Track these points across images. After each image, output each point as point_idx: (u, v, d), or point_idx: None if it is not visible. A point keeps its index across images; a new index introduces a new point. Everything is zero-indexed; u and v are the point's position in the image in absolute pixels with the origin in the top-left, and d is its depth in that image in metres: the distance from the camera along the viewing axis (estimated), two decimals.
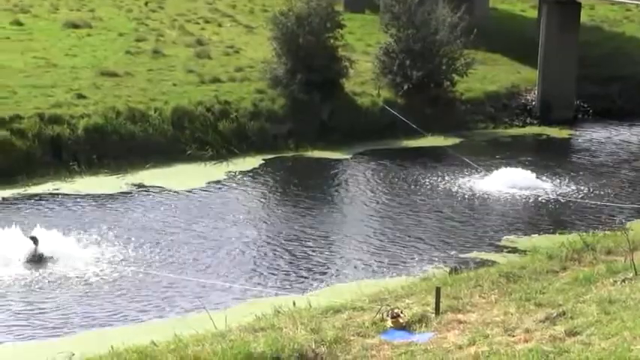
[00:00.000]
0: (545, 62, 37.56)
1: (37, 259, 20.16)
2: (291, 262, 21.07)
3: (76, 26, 40.56)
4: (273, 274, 20.34)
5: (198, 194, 26.30)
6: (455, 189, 27.64)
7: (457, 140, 34.14)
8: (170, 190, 26.30)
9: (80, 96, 30.50)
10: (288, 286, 19.33)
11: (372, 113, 34.20)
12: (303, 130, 32.30)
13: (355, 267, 20.99)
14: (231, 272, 20.24)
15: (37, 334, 16.90)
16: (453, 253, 21.99)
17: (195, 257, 21.05)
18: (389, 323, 12.25)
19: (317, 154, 31.36)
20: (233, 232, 23.02)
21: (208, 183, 27.36)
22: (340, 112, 33.32)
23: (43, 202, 24.86)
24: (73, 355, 13.60)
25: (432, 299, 12.89)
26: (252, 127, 31.56)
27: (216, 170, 28.81)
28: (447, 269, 18.95)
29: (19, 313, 17.75)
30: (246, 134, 31.26)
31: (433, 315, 12.53)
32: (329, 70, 33.72)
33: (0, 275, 19.30)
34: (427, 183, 28.23)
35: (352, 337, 11.87)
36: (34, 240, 20.38)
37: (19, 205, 24.46)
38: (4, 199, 24.83)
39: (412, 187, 27.90)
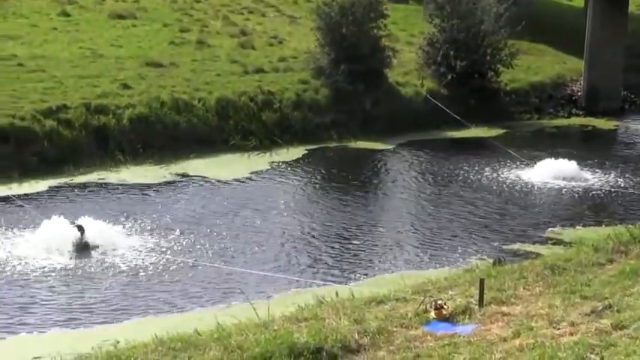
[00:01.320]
0: (592, 52, 37.18)
1: (82, 248, 20.35)
2: (334, 253, 21.07)
3: (121, 17, 40.82)
4: (316, 264, 20.35)
5: (241, 184, 26.40)
6: (498, 180, 27.48)
7: (501, 131, 33.97)
8: (214, 180, 26.42)
9: (125, 86, 30.73)
10: (330, 277, 19.33)
11: (416, 104, 34.11)
12: (346, 121, 32.31)
13: (398, 258, 20.93)
14: (274, 262, 20.28)
15: (82, 322, 17.06)
16: (496, 244, 21.86)
17: (239, 247, 21.12)
18: (432, 315, 12.22)
19: (360, 144, 31.35)
20: (276, 222, 23.06)
21: (252, 173, 27.44)
22: (383, 103, 33.27)
23: (89, 191, 25.09)
24: (118, 342, 13.75)
25: (475, 291, 12.83)
26: (296, 117, 31.62)
27: (260, 160, 28.90)
28: (491, 261, 18.85)
29: (64, 302, 17.94)
30: (289, 124, 31.33)
31: (477, 307, 12.48)
32: (372, 61, 33.65)
33: (46, 264, 19.51)
34: (470, 174, 28.10)
35: (395, 329, 11.86)
36: (80, 229, 20.57)
37: (66, 194, 24.70)
38: (51, 188, 25.09)
39: (455, 178, 27.79)
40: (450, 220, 23.67)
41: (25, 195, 24.17)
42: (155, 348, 11.67)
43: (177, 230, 21.86)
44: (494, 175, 28.02)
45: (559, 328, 11.48)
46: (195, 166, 27.72)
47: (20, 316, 17.19)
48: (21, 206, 22.79)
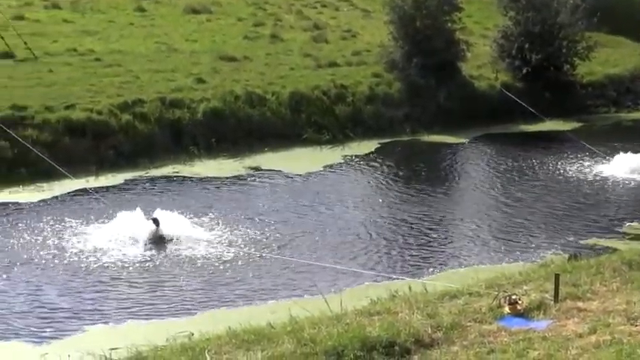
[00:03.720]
0: None
1: (157, 240, 20.59)
2: (406, 247, 20.99)
3: (196, 12, 41.28)
4: (388, 258, 20.30)
5: (315, 178, 26.45)
6: (574, 174, 27.11)
7: (577, 124, 33.52)
8: (287, 174, 26.51)
9: (200, 80, 31.01)
10: (403, 271, 19.26)
11: (490, 97, 33.84)
12: (420, 114, 32.17)
13: (471, 252, 20.76)
14: (347, 255, 20.27)
15: (157, 314, 17.27)
16: (571, 239, 21.54)
17: (312, 240, 21.17)
18: (506, 310, 12.11)
19: (433, 138, 31.18)
20: (348, 215, 23.06)
21: (325, 167, 27.48)
22: (457, 96, 33.05)
23: (164, 184, 25.38)
24: (192, 334, 13.88)
25: (550, 286, 12.68)
26: (369, 111, 31.59)
27: (333, 154, 28.92)
28: (566, 256, 18.60)
29: (140, 293, 18.18)
30: (362, 118, 31.30)
31: (552, 302, 12.33)
32: (446, 54, 33.45)
33: (122, 256, 19.78)
34: (545, 168, 27.77)
35: (469, 323, 11.77)
36: (156, 221, 20.80)
37: (141, 188, 25.04)
38: (126, 181, 25.45)
39: (530, 171, 27.49)
40: (524, 215, 23.39)
41: (102, 188, 24.56)
42: (228, 340, 11.76)
43: (251, 223, 21.98)
44: (570, 168, 27.64)
45: (637, 325, 11.29)
46: (269, 159, 27.86)
47: (96, 308, 17.47)
48: (98, 199, 23.15)
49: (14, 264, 19.25)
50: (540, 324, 11.68)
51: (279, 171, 26.77)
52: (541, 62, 34.53)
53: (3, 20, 35.04)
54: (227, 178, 26.08)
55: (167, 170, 26.50)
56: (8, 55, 32.11)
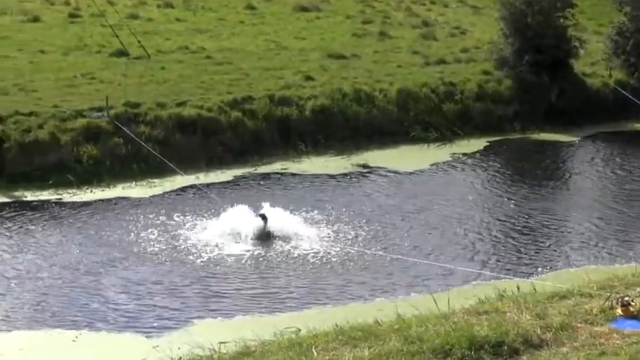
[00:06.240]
0: None
1: (265, 237, 20.78)
2: (514, 246, 20.72)
3: (305, 9, 41.57)
4: (496, 257, 20.07)
5: (422, 176, 26.32)
6: None
7: None
8: (394, 172, 26.44)
9: (308, 78, 31.16)
10: (512, 270, 19.01)
11: (603, 95, 33.07)
12: (530, 112, 31.63)
13: (582, 252, 20.37)
14: (454, 254, 20.12)
15: (265, 309, 17.44)
16: None
17: (418, 238, 21.07)
18: (618, 311, 11.84)
19: (543, 136, 30.66)
20: (457, 214, 22.86)
21: (432, 165, 27.30)
22: (569, 94, 32.39)
23: (272, 181, 25.61)
24: (300, 330, 13.96)
25: None
26: (477, 108, 31.23)
27: (440, 152, 28.70)
28: None
29: (248, 289, 18.38)
30: (470, 116, 30.98)
31: None
32: (558, 51, 32.80)
33: (231, 252, 20.04)
34: None
35: (579, 325, 11.56)
36: (264, 218, 21.00)
37: (250, 184, 25.31)
38: (235, 177, 25.76)
39: None
40: (637, 215, 22.81)
41: (211, 184, 24.91)
42: (335, 337, 11.78)
43: (359, 221, 21.99)
44: None
45: None
46: (376, 157, 27.81)
47: (206, 302, 17.75)
48: (207, 195, 23.49)
49: (127, 258, 19.72)
50: None
51: (387, 169, 26.71)
52: None
53: (118, 19, 35.92)
54: (335, 175, 26.14)
55: (275, 167, 26.72)
56: (123, 53, 32.93)
